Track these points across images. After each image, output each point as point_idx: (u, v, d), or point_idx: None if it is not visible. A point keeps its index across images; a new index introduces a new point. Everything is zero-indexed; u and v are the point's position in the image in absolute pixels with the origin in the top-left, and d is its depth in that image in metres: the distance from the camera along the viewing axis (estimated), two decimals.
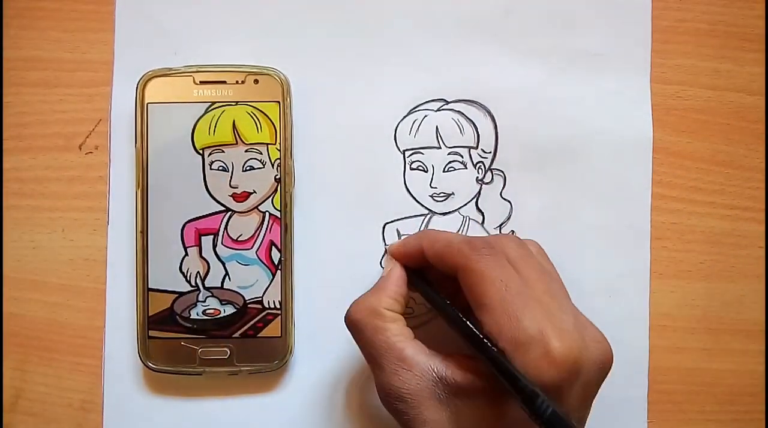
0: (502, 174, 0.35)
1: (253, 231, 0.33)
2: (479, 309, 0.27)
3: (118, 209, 0.35)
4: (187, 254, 0.33)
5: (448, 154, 0.35)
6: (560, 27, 0.35)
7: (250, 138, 0.33)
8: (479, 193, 0.35)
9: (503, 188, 0.35)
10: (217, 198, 0.33)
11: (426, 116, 0.35)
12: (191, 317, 0.33)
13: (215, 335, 0.33)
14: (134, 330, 0.33)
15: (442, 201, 0.35)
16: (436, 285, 0.31)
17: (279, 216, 0.33)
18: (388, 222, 0.35)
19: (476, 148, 0.35)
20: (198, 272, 0.33)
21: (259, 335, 0.33)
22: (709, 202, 0.36)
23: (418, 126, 0.35)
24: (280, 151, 0.33)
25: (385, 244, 0.35)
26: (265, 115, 0.33)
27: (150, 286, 0.33)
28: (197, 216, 0.33)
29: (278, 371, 0.34)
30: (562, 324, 0.26)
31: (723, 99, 0.36)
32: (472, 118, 0.35)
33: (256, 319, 0.33)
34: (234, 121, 0.33)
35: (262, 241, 0.33)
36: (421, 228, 0.35)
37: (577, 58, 0.35)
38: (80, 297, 0.35)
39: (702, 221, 0.36)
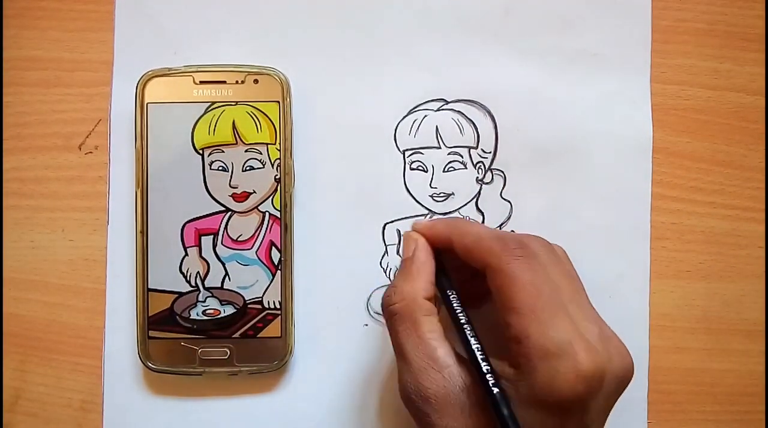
0: (502, 174, 0.35)
1: (253, 232, 0.33)
2: (507, 312, 0.26)
3: (118, 209, 0.35)
4: (187, 254, 0.33)
5: (448, 154, 0.35)
6: (560, 27, 0.35)
7: (250, 138, 0.33)
8: (479, 193, 0.35)
9: (503, 188, 0.35)
10: (217, 198, 0.33)
11: (426, 116, 0.35)
12: (191, 317, 0.33)
13: (215, 335, 0.33)
14: (134, 330, 0.33)
15: (442, 201, 0.35)
16: (454, 269, 0.30)
17: (279, 216, 0.33)
18: (388, 222, 0.35)
19: (476, 148, 0.35)
20: (198, 272, 0.33)
21: (259, 335, 0.33)
22: (709, 202, 0.36)
23: (418, 126, 0.35)
24: (280, 151, 0.33)
25: (385, 244, 0.35)
26: (265, 115, 0.33)
27: (150, 286, 0.33)
28: (197, 216, 0.33)
29: (278, 371, 0.34)
30: (589, 335, 0.25)
31: (723, 99, 0.36)
32: (472, 118, 0.35)
33: (256, 319, 0.33)
34: (234, 121, 0.33)
35: (262, 241, 0.33)
36: None
37: (577, 58, 0.35)
38: (80, 297, 0.35)
39: (702, 221, 0.36)
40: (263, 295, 0.33)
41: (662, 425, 0.35)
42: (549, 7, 0.35)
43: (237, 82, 0.33)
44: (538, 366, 0.25)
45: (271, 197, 0.33)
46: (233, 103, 0.33)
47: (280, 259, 0.33)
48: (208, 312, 0.33)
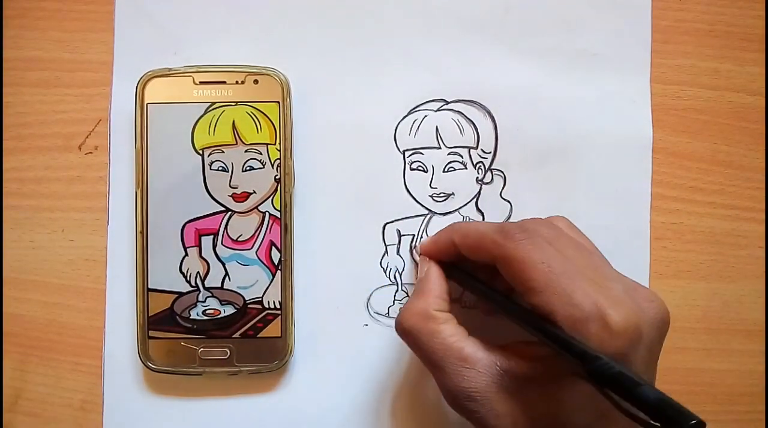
0: (501, 174, 0.35)
1: (253, 232, 0.33)
2: (527, 294, 0.26)
3: (118, 209, 0.35)
4: (187, 254, 0.33)
5: (448, 154, 0.35)
6: (560, 27, 0.35)
7: (250, 138, 0.33)
8: (479, 193, 0.35)
9: (503, 188, 0.35)
10: (217, 198, 0.33)
11: (426, 116, 0.35)
12: (191, 317, 0.33)
13: (215, 335, 0.33)
14: (134, 330, 0.33)
15: (442, 201, 0.35)
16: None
17: (279, 216, 0.33)
18: (388, 223, 0.35)
19: (476, 148, 0.35)
20: (198, 272, 0.33)
21: (259, 335, 0.33)
22: (709, 202, 0.36)
23: (418, 126, 0.35)
24: (280, 151, 0.33)
25: (385, 244, 0.35)
26: (265, 115, 0.33)
27: (150, 286, 0.33)
28: (197, 216, 0.33)
29: (278, 371, 0.34)
30: (612, 293, 0.26)
31: (723, 99, 0.36)
32: (472, 118, 0.35)
33: (256, 319, 0.33)
34: (234, 121, 0.33)
35: (262, 241, 0.33)
36: (421, 229, 0.35)
37: (577, 58, 0.35)
38: (80, 297, 0.35)
39: (702, 221, 0.36)
40: (263, 295, 0.33)
41: None
42: (549, 7, 0.35)
43: (237, 83, 0.33)
44: (573, 335, 0.25)
45: (271, 197, 0.33)
46: (233, 104, 0.33)
47: (280, 259, 0.33)
48: (208, 312, 0.33)
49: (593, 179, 0.35)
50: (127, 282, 0.34)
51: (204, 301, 0.33)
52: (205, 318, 0.33)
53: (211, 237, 0.33)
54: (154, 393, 0.34)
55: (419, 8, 0.35)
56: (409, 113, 0.35)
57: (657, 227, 0.35)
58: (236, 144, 0.33)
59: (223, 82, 0.33)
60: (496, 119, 0.35)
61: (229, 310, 0.33)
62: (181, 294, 0.33)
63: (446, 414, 0.34)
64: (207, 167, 0.33)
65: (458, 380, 0.27)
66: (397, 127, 0.35)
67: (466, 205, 0.35)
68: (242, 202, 0.33)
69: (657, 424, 0.21)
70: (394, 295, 0.35)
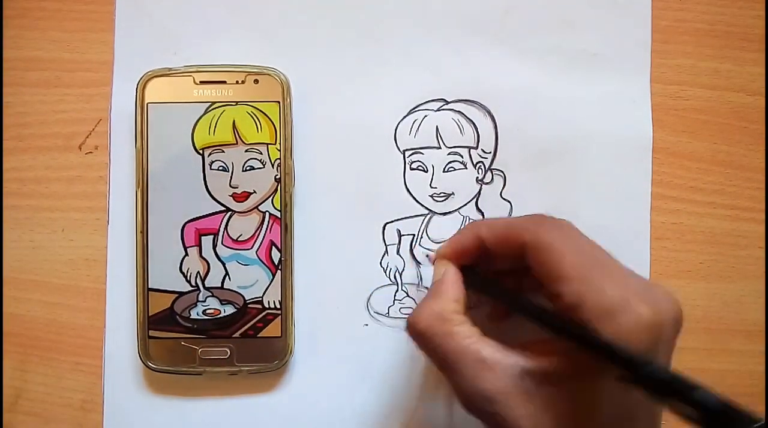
0: (502, 174, 0.35)
1: (253, 232, 0.33)
2: (556, 282, 0.26)
3: (118, 209, 0.35)
4: (187, 254, 0.33)
5: (448, 154, 0.35)
6: (560, 27, 0.35)
7: (250, 138, 0.33)
8: (479, 193, 0.35)
9: (503, 188, 0.35)
10: (217, 198, 0.33)
11: (426, 116, 0.35)
12: (191, 317, 0.33)
13: (215, 335, 0.33)
14: (134, 330, 0.33)
15: (442, 201, 0.35)
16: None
17: (279, 216, 0.33)
18: (388, 222, 0.35)
19: (476, 148, 0.35)
20: (198, 272, 0.33)
21: (259, 335, 0.33)
22: (709, 202, 0.36)
23: (418, 126, 0.35)
24: (280, 151, 0.33)
25: (386, 244, 0.35)
26: (265, 115, 0.33)
27: (150, 286, 0.33)
28: (197, 216, 0.33)
29: (278, 371, 0.34)
30: (636, 288, 0.25)
31: (723, 99, 0.36)
32: (472, 118, 0.35)
33: (256, 319, 0.33)
34: (234, 121, 0.33)
35: (262, 241, 0.33)
36: (421, 229, 0.35)
37: (576, 58, 0.35)
38: (80, 297, 0.35)
39: (702, 221, 0.36)
40: (263, 295, 0.33)
41: (662, 425, 0.35)
42: (549, 7, 0.35)
43: (237, 82, 0.33)
44: (601, 327, 0.24)
45: (271, 197, 0.33)
46: (233, 103, 0.33)
47: (280, 259, 0.33)
48: (208, 311, 0.33)
49: (593, 179, 0.35)
50: (127, 282, 0.34)
51: (204, 301, 0.33)
52: (205, 317, 0.33)
53: (211, 237, 0.33)
54: (154, 393, 0.34)
55: (419, 8, 0.35)
56: (409, 113, 0.35)
57: (657, 227, 0.35)
58: (236, 144, 0.33)
59: (224, 82, 0.33)
60: (496, 119, 0.35)
61: (229, 310, 0.33)
62: (181, 293, 0.33)
63: (447, 413, 0.34)
64: (207, 167, 0.33)
65: (477, 382, 0.26)
66: (397, 127, 0.35)
67: (466, 204, 0.35)
68: (242, 201, 0.33)
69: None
70: (394, 295, 0.35)
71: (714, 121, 0.36)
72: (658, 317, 0.25)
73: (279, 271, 0.33)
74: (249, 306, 0.33)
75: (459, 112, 0.35)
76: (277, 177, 0.33)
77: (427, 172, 0.35)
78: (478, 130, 0.35)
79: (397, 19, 0.35)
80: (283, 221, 0.33)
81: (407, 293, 0.35)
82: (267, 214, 0.33)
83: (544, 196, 0.35)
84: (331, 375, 0.34)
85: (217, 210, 0.33)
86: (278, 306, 0.33)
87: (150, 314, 0.33)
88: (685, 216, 0.35)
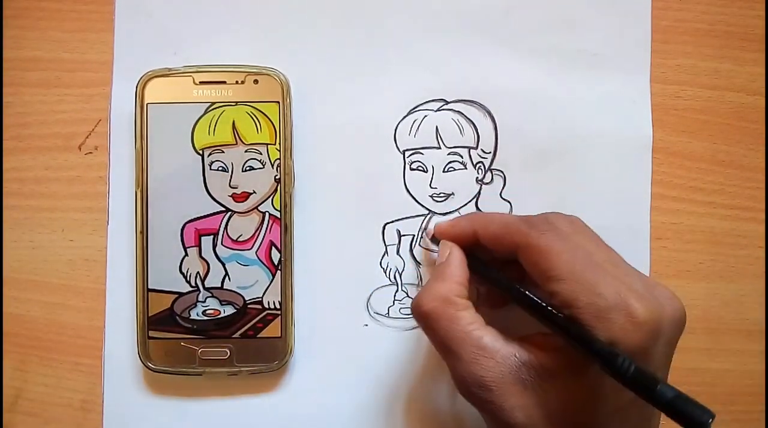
0: (501, 174, 0.35)
1: (253, 232, 0.33)
2: (549, 282, 0.26)
3: (118, 209, 0.35)
4: (186, 254, 0.33)
5: (448, 154, 0.35)
6: (560, 27, 0.35)
7: (250, 138, 0.33)
8: (479, 193, 0.35)
9: (503, 188, 0.35)
10: (216, 198, 0.33)
11: (426, 116, 0.35)
12: (191, 317, 0.33)
13: (215, 335, 0.33)
14: (134, 330, 0.33)
15: (441, 201, 0.35)
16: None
17: (279, 216, 0.33)
18: (388, 223, 0.35)
19: (476, 148, 0.35)
20: (198, 272, 0.33)
21: (259, 335, 0.33)
22: (709, 202, 0.36)
23: (418, 126, 0.35)
24: (279, 151, 0.33)
25: (385, 244, 0.35)
26: (265, 115, 0.33)
27: (150, 287, 0.33)
28: (197, 216, 0.33)
29: (278, 371, 0.34)
30: (634, 286, 0.26)
31: (723, 99, 0.36)
32: (472, 118, 0.35)
33: (256, 320, 0.33)
34: (234, 121, 0.33)
35: (262, 242, 0.33)
36: (421, 229, 0.35)
37: (577, 58, 0.35)
38: (80, 297, 0.35)
39: (702, 221, 0.36)
40: (263, 295, 0.33)
41: (662, 425, 0.35)
42: (549, 7, 0.35)
43: (237, 83, 0.33)
44: (594, 324, 0.25)
45: (271, 197, 0.33)
46: (233, 104, 0.33)
47: (280, 259, 0.33)
48: (208, 312, 0.33)
49: (593, 179, 0.35)
50: (127, 282, 0.34)
51: (204, 301, 0.33)
52: (205, 318, 0.33)
53: (211, 237, 0.33)
54: (154, 393, 0.34)
55: (419, 8, 0.35)
56: (409, 113, 0.35)
57: (657, 227, 0.35)
58: (236, 144, 0.33)
59: (223, 82, 0.33)
60: (496, 119, 0.35)
61: (229, 310, 0.33)
62: (181, 294, 0.33)
63: (447, 413, 0.34)
64: (207, 167, 0.33)
65: (475, 368, 0.26)
66: (397, 127, 0.35)
67: (466, 205, 0.35)
68: (242, 202, 0.33)
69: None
70: (394, 295, 0.35)
71: (714, 121, 0.36)
72: (655, 316, 0.25)
73: (279, 271, 0.33)
74: (249, 306, 0.33)
75: (459, 112, 0.35)
76: (277, 177, 0.33)
77: (426, 172, 0.35)
78: (478, 130, 0.35)
79: (397, 19, 0.35)
80: (283, 221, 0.33)
81: (407, 293, 0.35)
82: (267, 214, 0.33)
83: (544, 196, 0.35)
84: (331, 376, 0.34)
85: (217, 210, 0.33)
86: (278, 306, 0.33)
87: (150, 314, 0.33)
88: (685, 217, 0.35)
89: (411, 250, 0.35)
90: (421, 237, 0.35)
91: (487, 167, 0.35)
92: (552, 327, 0.26)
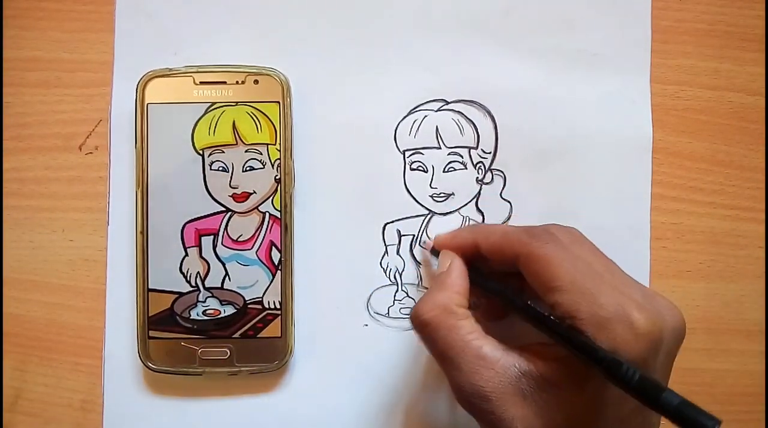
0: (502, 174, 0.35)
1: (253, 232, 0.33)
2: (550, 293, 0.26)
3: (118, 209, 0.35)
4: (187, 254, 0.33)
5: (448, 154, 0.35)
6: (560, 27, 0.35)
7: (250, 138, 0.33)
8: (479, 193, 0.35)
9: (503, 188, 0.35)
10: (217, 198, 0.33)
11: (426, 116, 0.35)
12: (191, 317, 0.33)
13: (215, 335, 0.33)
14: (134, 331, 0.33)
15: (442, 201, 0.35)
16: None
17: (279, 216, 0.33)
18: (388, 223, 0.35)
19: (476, 148, 0.35)
20: (198, 272, 0.33)
21: (259, 335, 0.33)
22: (709, 202, 0.36)
23: (418, 126, 0.35)
24: (280, 151, 0.33)
25: (385, 244, 0.35)
26: (265, 115, 0.33)
27: (150, 287, 0.33)
28: (197, 216, 0.33)
29: (278, 371, 0.34)
30: (634, 297, 0.26)
31: (723, 99, 0.36)
32: (472, 118, 0.35)
33: (256, 320, 0.33)
34: (234, 121, 0.33)
35: (262, 242, 0.33)
36: (421, 229, 0.35)
37: (577, 58, 0.35)
38: (80, 297, 0.35)
39: (702, 221, 0.36)
40: (263, 295, 0.33)
41: (662, 425, 0.35)
42: (549, 7, 0.35)
43: (237, 83, 0.33)
44: (595, 335, 0.25)
45: (271, 197, 0.33)
46: (233, 104, 0.33)
47: (280, 259, 0.33)
48: (208, 312, 0.33)
49: (593, 179, 0.35)
50: (127, 282, 0.34)
51: (204, 301, 0.33)
52: (205, 318, 0.33)
53: (211, 237, 0.33)
54: (154, 393, 0.34)
55: (419, 8, 0.35)
56: (409, 113, 0.35)
57: (657, 227, 0.35)
58: (236, 144, 0.33)
59: (224, 82, 0.33)
60: (496, 119, 0.35)
61: (229, 310, 0.33)
62: (181, 294, 0.33)
63: (446, 413, 0.34)
64: (207, 167, 0.33)
65: (474, 378, 0.26)
66: (397, 127, 0.35)
67: (466, 205, 0.35)
68: (242, 202, 0.33)
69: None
70: (394, 295, 0.35)
71: (714, 121, 0.36)
72: (655, 327, 0.25)
73: (279, 271, 0.33)
74: (249, 306, 0.33)
75: (459, 112, 0.35)
76: (277, 177, 0.33)
77: (427, 172, 0.35)
78: (478, 130, 0.35)
79: (397, 19, 0.35)
80: (283, 221, 0.33)
81: (407, 293, 0.35)
82: (267, 214, 0.33)
83: (544, 196, 0.35)
84: (331, 375, 0.34)
85: (217, 210, 0.33)
86: (278, 306, 0.33)
87: (150, 314, 0.33)
88: (685, 216, 0.35)
89: (411, 250, 0.35)
90: (420, 240, 0.35)
91: (487, 167, 0.35)
92: (555, 338, 0.26)
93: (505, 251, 0.29)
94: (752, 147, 0.36)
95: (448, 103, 0.35)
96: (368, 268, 0.35)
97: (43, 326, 0.35)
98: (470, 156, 0.35)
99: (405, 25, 0.35)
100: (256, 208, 0.33)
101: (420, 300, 0.29)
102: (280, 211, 0.33)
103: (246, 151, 0.33)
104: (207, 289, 0.33)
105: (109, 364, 0.34)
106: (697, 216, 0.36)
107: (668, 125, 0.36)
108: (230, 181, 0.33)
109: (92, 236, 0.35)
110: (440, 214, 0.35)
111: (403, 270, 0.35)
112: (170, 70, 0.33)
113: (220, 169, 0.33)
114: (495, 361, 0.26)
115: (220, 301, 0.33)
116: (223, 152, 0.33)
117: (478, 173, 0.35)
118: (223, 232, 0.33)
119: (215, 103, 0.33)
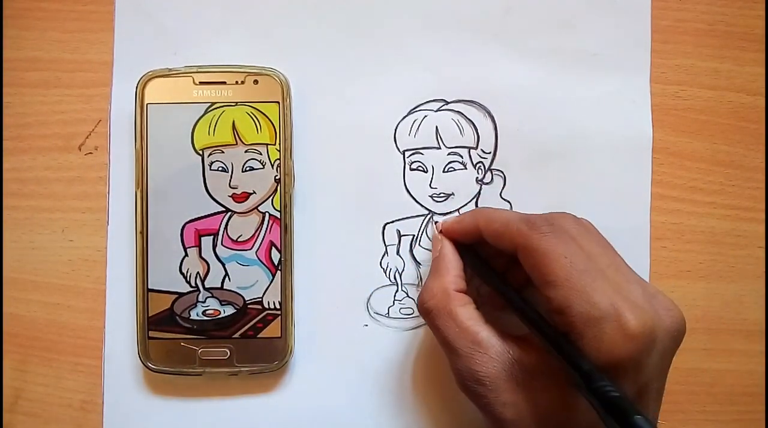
0: (501, 174, 0.35)
1: (253, 232, 0.33)
2: (545, 286, 0.26)
3: (117, 209, 0.35)
4: (186, 255, 0.33)
5: (448, 154, 0.35)
6: (560, 27, 0.35)
7: (250, 138, 0.33)
8: (479, 193, 0.35)
9: (503, 188, 0.35)
10: (216, 198, 0.33)
11: (426, 116, 0.35)
12: (191, 318, 0.33)
13: (215, 335, 0.33)
14: (134, 331, 0.33)
15: (442, 201, 0.35)
16: (489, 259, 0.31)
17: (279, 216, 0.33)
18: (388, 223, 0.35)
19: (476, 148, 0.35)
20: (198, 273, 0.33)
21: (259, 335, 0.33)
22: (709, 202, 0.36)
23: (418, 126, 0.35)
24: (279, 151, 0.33)
25: (385, 244, 0.35)
26: (265, 115, 0.33)
27: (150, 287, 0.33)
28: (197, 216, 0.33)
29: (278, 371, 0.34)
30: (631, 296, 0.26)
31: (723, 99, 0.36)
32: (471, 119, 0.35)
33: (256, 320, 0.33)
34: (234, 121, 0.33)
35: (261, 242, 0.33)
36: (421, 229, 0.35)
37: (577, 58, 0.35)
38: (80, 297, 0.35)
39: (702, 221, 0.36)
40: (263, 295, 0.33)
41: (659, 425, 0.35)
42: (549, 7, 0.35)
43: (237, 83, 0.33)
44: (584, 332, 0.25)
45: (271, 197, 0.33)
46: (233, 104, 0.33)
47: (280, 260, 0.33)
48: (208, 312, 0.33)
49: (593, 179, 0.35)
50: (127, 282, 0.34)
51: (204, 302, 0.33)
52: (205, 318, 0.33)
53: (211, 237, 0.33)
54: (154, 393, 0.34)
55: (419, 8, 0.35)
56: (409, 113, 0.35)
57: (657, 227, 0.35)
58: (236, 144, 0.33)
59: (223, 83, 0.33)
60: (496, 119, 0.35)
61: (229, 310, 0.33)
62: (181, 294, 0.33)
63: (446, 413, 0.34)
64: (207, 167, 0.33)
65: (470, 363, 0.27)
66: (397, 127, 0.35)
67: (466, 205, 0.35)
68: (242, 202, 0.33)
69: None
70: (394, 295, 0.35)
71: (714, 121, 0.36)
72: (646, 329, 0.25)
73: (279, 272, 0.33)
74: (249, 306, 0.33)
75: (459, 112, 0.35)
76: (277, 177, 0.33)
77: (426, 172, 0.35)
78: (478, 130, 0.35)
79: (397, 19, 0.35)
80: (283, 222, 0.33)
81: (407, 293, 0.35)
82: (267, 214, 0.33)
83: (544, 196, 0.35)
84: (331, 376, 0.34)
85: (217, 210, 0.33)
86: (278, 306, 0.33)
87: (150, 315, 0.33)
88: (685, 217, 0.35)
89: (411, 250, 0.35)
90: (419, 240, 0.35)
91: (487, 167, 0.35)
92: (531, 331, 0.27)
93: (505, 240, 0.29)
94: (752, 147, 0.36)
95: (447, 103, 0.35)
96: (368, 268, 0.35)
97: (43, 326, 0.35)
98: (470, 156, 0.35)
99: (405, 25, 0.35)
100: (256, 208, 0.33)
101: (422, 289, 0.30)
102: (280, 211, 0.33)
103: (246, 151, 0.33)
104: (207, 289, 0.33)
105: (109, 364, 0.34)
106: (697, 216, 0.36)
107: (668, 125, 0.36)
108: (230, 181, 0.33)
109: (92, 236, 0.35)
110: (440, 214, 0.35)
111: (402, 270, 0.35)
112: (170, 70, 0.33)
113: (220, 169, 0.33)
114: (490, 347, 0.27)
115: (220, 301, 0.33)
116: (223, 152, 0.33)
117: (478, 173, 0.35)
118: (223, 232, 0.33)
119: (215, 103, 0.33)
